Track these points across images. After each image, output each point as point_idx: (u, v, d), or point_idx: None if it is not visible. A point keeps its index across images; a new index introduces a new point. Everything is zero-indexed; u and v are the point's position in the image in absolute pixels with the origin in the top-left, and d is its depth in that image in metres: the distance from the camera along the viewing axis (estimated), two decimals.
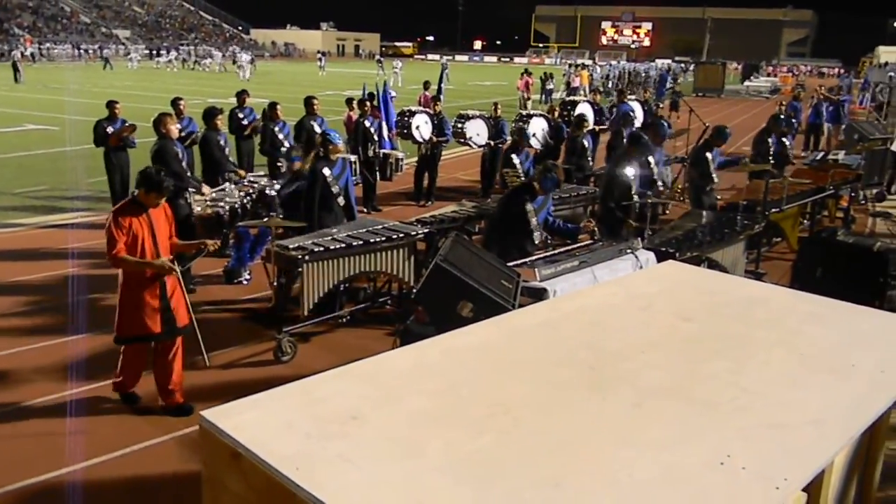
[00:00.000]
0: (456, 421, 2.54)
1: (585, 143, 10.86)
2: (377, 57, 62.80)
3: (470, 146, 13.44)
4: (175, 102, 11.09)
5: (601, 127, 13.80)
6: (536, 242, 6.48)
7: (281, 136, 10.98)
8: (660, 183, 8.54)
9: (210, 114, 9.51)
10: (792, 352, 3.23)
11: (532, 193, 6.43)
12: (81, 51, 63.39)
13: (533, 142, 12.32)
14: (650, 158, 8.38)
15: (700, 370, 3.01)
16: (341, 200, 7.61)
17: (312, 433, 2.41)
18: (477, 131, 12.96)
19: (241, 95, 12.35)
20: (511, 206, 6.41)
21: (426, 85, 17.54)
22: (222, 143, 9.41)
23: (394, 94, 16.11)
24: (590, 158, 11.16)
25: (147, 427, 5.34)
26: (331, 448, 2.33)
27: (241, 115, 12.12)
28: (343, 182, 7.59)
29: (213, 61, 56.96)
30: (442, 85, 18.85)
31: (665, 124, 8.87)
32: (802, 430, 2.56)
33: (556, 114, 13.94)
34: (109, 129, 10.41)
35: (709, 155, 9.11)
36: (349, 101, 13.73)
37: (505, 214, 6.44)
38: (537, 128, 12.61)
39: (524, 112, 14.45)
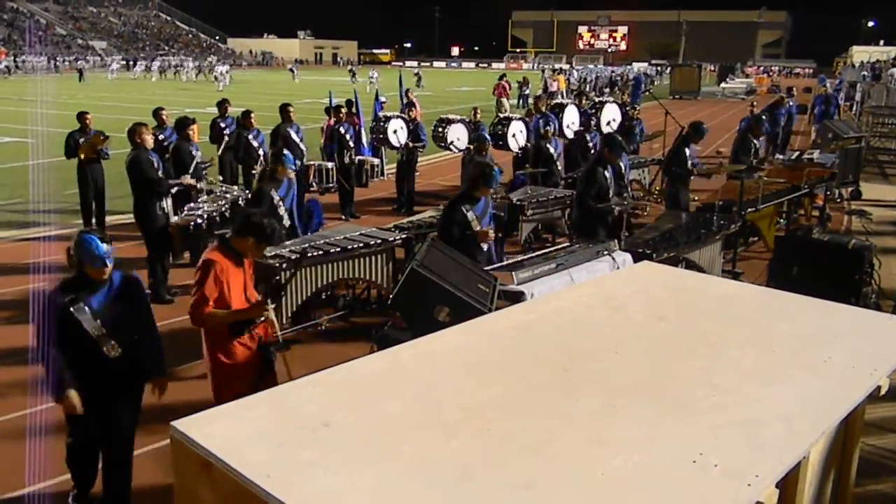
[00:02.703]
0: (428, 425, 2.53)
1: (551, 148, 10.84)
2: (350, 67, 61.83)
3: (451, 150, 13.44)
4: (157, 112, 11.05)
5: (580, 128, 13.81)
6: (485, 249, 6.28)
7: (255, 144, 10.94)
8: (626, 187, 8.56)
9: (182, 124, 9.46)
10: (764, 349, 3.24)
11: (472, 200, 6.27)
12: (57, 62, 62.97)
13: (512, 144, 12.33)
14: (621, 162, 8.39)
15: (673, 369, 3.02)
16: (287, 222, 7.27)
17: (284, 441, 2.39)
18: (458, 136, 12.96)
19: (223, 105, 12.31)
20: (454, 216, 6.27)
21: (407, 91, 17.52)
22: (194, 152, 9.35)
23: (384, 99, 16.08)
24: (558, 164, 11.09)
25: None
26: (302, 455, 2.31)
27: (222, 125, 12.08)
28: (289, 203, 7.24)
29: (187, 69, 56.62)
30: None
31: (639, 130, 8.88)
32: (774, 426, 2.57)
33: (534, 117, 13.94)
34: (81, 141, 10.31)
35: (686, 151, 9.18)
36: (328, 109, 13.70)
37: (448, 225, 6.22)
38: (515, 130, 12.62)
39: (502, 115, 14.45)
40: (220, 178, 10.43)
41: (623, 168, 8.34)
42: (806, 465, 2.88)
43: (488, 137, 11.44)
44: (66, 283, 4.22)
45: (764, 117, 13.08)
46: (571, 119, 13.33)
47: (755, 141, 11.28)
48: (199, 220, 8.10)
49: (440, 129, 13.14)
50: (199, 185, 8.86)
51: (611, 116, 13.82)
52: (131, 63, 63.53)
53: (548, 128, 11.31)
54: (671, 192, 9.37)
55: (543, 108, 13.41)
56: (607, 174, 7.61)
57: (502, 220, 8.74)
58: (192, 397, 5.81)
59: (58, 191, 13.21)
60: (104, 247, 4.22)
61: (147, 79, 54.00)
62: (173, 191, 8.12)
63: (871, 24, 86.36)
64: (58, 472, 4.86)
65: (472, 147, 12.66)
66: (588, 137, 11.91)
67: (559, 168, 11.13)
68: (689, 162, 9.15)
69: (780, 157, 13.24)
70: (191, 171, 8.91)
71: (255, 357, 4.60)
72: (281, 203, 7.11)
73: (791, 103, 17.81)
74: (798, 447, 2.49)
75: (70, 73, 57.87)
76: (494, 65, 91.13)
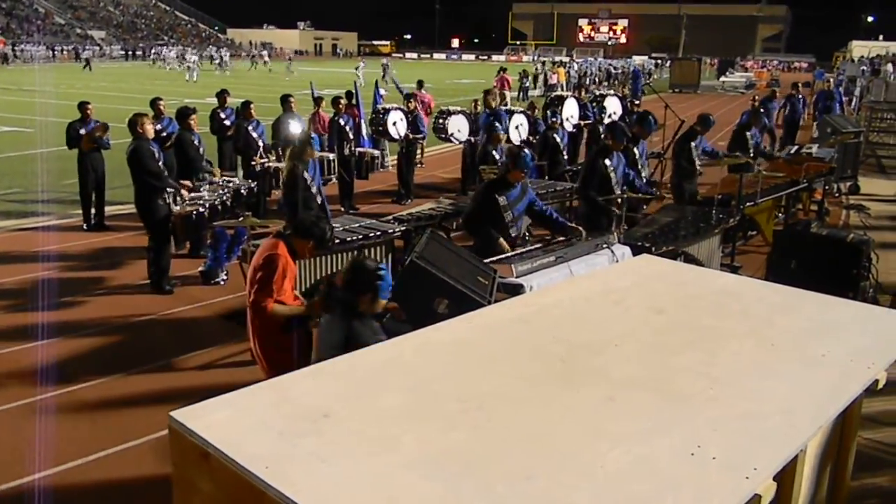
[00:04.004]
0: (428, 416, 2.53)
1: (557, 138, 10.84)
2: (288, 59, 58.89)
3: (451, 142, 13.44)
4: (154, 103, 11.03)
5: (586, 122, 13.82)
6: (513, 235, 6.41)
7: (255, 135, 10.92)
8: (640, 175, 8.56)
9: (183, 114, 9.47)
10: (763, 342, 3.25)
11: (505, 186, 6.35)
12: (55, 51, 62.84)
13: (514, 135, 12.33)
14: (636, 149, 8.38)
15: (672, 362, 3.02)
16: (319, 199, 7.59)
17: (284, 432, 2.39)
18: (458, 127, 12.96)
19: (223, 95, 12.31)
20: (484, 200, 6.36)
21: (420, 84, 17.46)
22: (196, 142, 9.36)
23: (383, 91, 16.04)
24: (565, 155, 11.10)
25: (121, 430, 5.28)
26: (302, 446, 2.31)
27: (222, 115, 12.07)
28: (318, 182, 7.59)
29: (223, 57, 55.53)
30: (394, 86, 17.72)
31: (652, 119, 8.85)
32: (773, 419, 2.57)
33: (536, 110, 13.93)
34: (82, 131, 10.30)
35: (692, 143, 9.18)
36: (317, 99, 13.68)
37: (479, 209, 6.37)
38: (517, 122, 12.60)
39: (504, 109, 14.44)
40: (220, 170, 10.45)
41: (638, 154, 8.34)
42: (803, 458, 2.89)
43: (500, 128, 11.45)
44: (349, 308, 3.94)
45: (762, 111, 13.10)
46: (571, 112, 13.31)
47: (750, 134, 11.28)
48: (202, 210, 8.10)
49: (440, 121, 13.13)
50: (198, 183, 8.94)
51: (612, 109, 13.83)
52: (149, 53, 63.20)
53: (554, 119, 11.36)
54: (677, 187, 9.37)
55: (493, 104, 12.98)
56: (608, 163, 7.57)
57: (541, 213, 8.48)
58: (191, 388, 5.84)
59: (57, 180, 13.20)
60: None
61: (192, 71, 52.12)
62: (170, 190, 8.11)
63: (870, 19, 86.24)
64: (61, 461, 4.88)
65: (472, 140, 12.69)
66: (601, 129, 11.93)
67: (564, 158, 11.17)
68: (695, 153, 9.16)
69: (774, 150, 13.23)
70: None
71: (301, 337, 4.84)
72: (312, 182, 7.40)
73: (799, 97, 17.77)
74: (796, 440, 2.50)
75: (68, 61, 57.69)
76: (494, 57, 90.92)
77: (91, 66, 50.11)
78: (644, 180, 8.52)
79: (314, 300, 4.79)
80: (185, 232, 8.22)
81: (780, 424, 2.54)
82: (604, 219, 7.51)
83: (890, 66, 34.30)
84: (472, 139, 12.87)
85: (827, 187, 11.62)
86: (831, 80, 22.95)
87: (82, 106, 10.51)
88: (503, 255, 5.84)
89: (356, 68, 39.78)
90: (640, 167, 8.43)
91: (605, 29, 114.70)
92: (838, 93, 19.89)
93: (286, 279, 4.67)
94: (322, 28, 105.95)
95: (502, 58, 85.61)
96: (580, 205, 8.01)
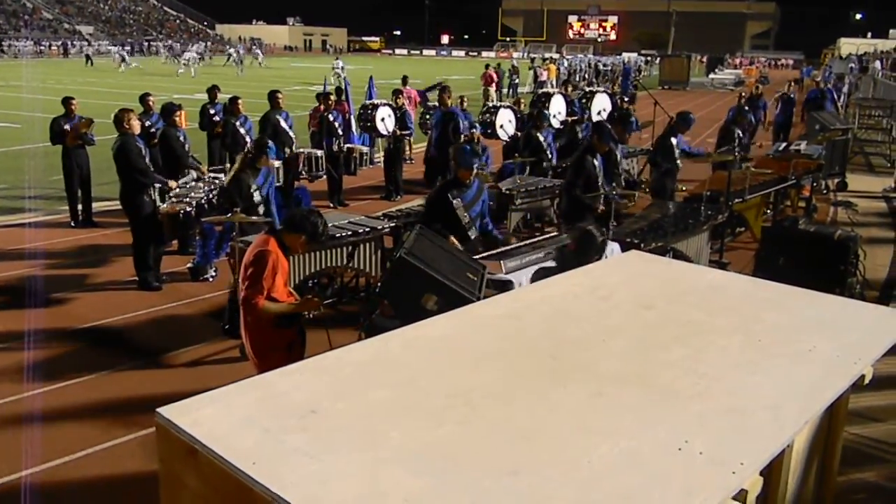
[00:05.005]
0: (415, 412, 2.53)
1: (541, 137, 10.81)
2: (232, 51, 55.91)
3: None
4: (144, 98, 10.97)
5: (574, 118, 13.79)
6: (472, 238, 6.27)
7: (243, 131, 10.87)
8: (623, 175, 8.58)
9: (168, 110, 9.40)
10: (750, 338, 3.26)
11: (458, 186, 6.24)
12: (43, 46, 62.46)
13: (500, 133, 12.31)
14: (617, 150, 8.40)
15: (660, 357, 3.03)
16: (261, 210, 7.14)
17: (271, 427, 2.39)
18: None
19: (213, 91, 12.24)
20: (437, 203, 6.25)
21: (405, 80, 17.38)
22: (182, 138, 9.30)
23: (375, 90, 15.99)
24: (549, 153, 11.05)
25: (108, 427, 5.25)
26: (289, 442, 2.31)
27: (212, 111, 12.00)
28: (266, 191, 7.19)
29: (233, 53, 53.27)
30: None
31: (634, 120, 8.84)
32: (759, 415, 2.58)
33: (522, 105, 13.92)
34: (66, 127, 10.22)
35: (673, 140, 9.19)
36: (319, 95, 13.65)
37: (433, 212, 6.21)
38: (504, 119, 12.59)
39: (491, 104, 14.42)
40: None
41: (617, 156, 8.34)
42: (790, 453, 2.90)
43: (477, 126, 11.41)
44: None
45: (747, 108, 13.17)
46: (558, 109, 13.29)
47: (739, 132, 11.31)
48: (189, 209, 8.06)
49: (427, 118, 13.09)
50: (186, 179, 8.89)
51: (601, 106, 13.81)
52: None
53: (543, 121, 11.32)
54: (657, 183, 9.38)
55: (450, 101, 12.38)
56: (596, 163, 7.58)
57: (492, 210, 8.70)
58: (179, 385, 5.82)
59: (44, 176, 13.11)
60: None
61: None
62: (157, 185, 8.06)
63: (858, 16, 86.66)
64: (49, 458, 4.85)
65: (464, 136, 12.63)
66: (578, 129, 11.88)
67: (549, 157, 11.10)
68: (677, 152, 9.16)
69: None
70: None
71: (293, 334, 4.87)
72: (258, 191, 7.07)
73: (791, 95, 17.78)
74: (783, 435, 2.51)
75: (56, 57, 57.34)
76: (484, 53, 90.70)
77: (93, 61, 49.72)
78: (622, 183, 8.54)
79: (308, 298, 4.79)
80: (172, 231, 8.19)
81: (766, 420, 2.55)
82: (588, 217, 7.49)
83: (878, 64, 34.52)
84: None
85: (815, 184, 11.66)
86: (820, 77, 23.02)
87: (66, 101, 10.42)
88: (492, 252, 5.83)
89: (334, 66, 39.53)
90: (618, 170, 8.41)
91: (594, 26, 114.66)
92: (830, 91, 19.90)
93: (277, 275, 4.64)
94: (312, 24, 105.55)
95: (492, 54, 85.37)
96: (563, 202, 7.99)
